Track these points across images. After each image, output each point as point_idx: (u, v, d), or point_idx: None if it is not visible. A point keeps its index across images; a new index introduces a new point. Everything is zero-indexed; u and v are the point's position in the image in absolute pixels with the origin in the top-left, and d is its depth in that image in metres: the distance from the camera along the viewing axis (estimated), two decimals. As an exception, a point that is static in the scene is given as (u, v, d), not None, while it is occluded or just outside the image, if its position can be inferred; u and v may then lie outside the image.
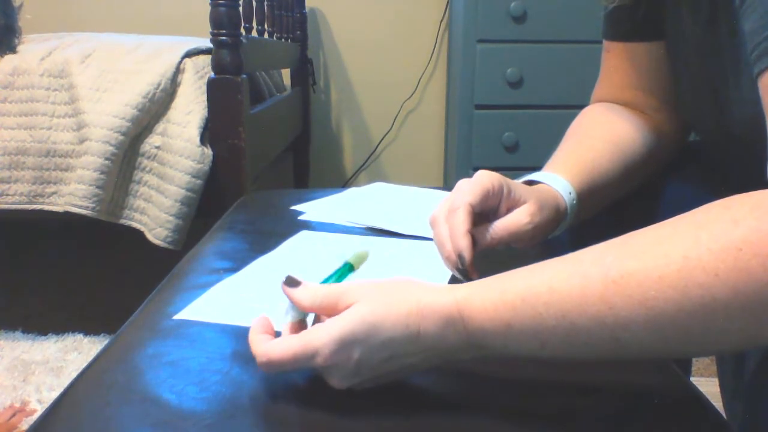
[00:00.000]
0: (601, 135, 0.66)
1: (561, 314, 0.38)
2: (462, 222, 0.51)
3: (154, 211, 1.24)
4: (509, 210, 0.55)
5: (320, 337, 0.40)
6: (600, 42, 0.71)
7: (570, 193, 0.59)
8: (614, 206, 0.66)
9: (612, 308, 0.36)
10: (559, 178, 0.59)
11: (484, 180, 0.53)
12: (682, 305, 0.34)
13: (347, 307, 0.41)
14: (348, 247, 0.73)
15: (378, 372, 0.41)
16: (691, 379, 0.56)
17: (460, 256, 0.51)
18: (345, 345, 0.40)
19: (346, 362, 0.40)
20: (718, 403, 0.49)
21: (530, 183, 0.60)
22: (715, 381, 0.70)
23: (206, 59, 1.30)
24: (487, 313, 0.40)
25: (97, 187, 1.21)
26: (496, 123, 1.70)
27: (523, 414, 0.43)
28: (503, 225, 0.54)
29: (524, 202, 0.54)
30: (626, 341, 0.37)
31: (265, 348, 0.41)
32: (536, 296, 0.39)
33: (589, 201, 0.61)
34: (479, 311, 0.40)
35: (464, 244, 0.51)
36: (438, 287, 0.42)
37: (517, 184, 0.56)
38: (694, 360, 1.10)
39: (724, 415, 0.50)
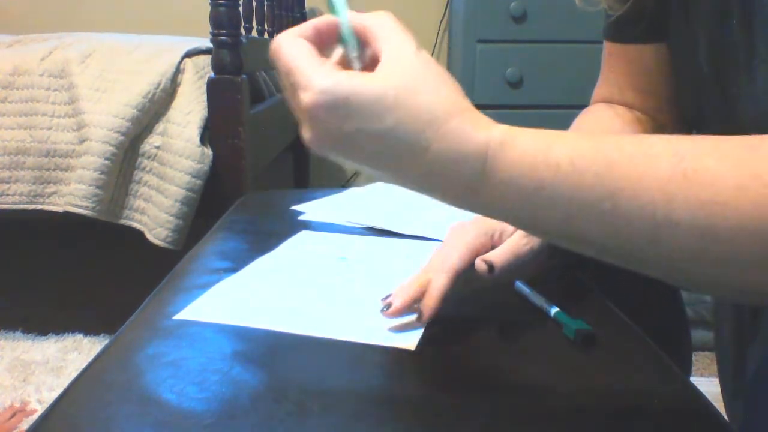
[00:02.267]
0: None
1: (609, 192, 0.33)
2: (440, 287, 0.52)
3: (154, 211, 1.24)
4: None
5: (329, 79, 0.34)
6: (600, 42, 0.70)
7: None
8: None
9: (670, 202, 0.31)
10: None
11: (471, 242, 0.54)
12: (752, 223, 0.30)
13: (379, 53, 0.36)
14: (348, 245, 0.73)
15: (358, 157, 0.36)
16: (691, 379, 0.56)
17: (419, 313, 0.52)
18: (345, 105, 0.34)
19: (331, 125, 0.34)
20: (718, 403, 0.49)
21: None
22: (715, 381, 0.70)
23: (206, 59, 1.30)
24: (521, 166, 0.34)
25: (97, 187, 1.21)
26: (496, 123, 1.70)
27: (524, 414, 0.43)
28: (505, 250, 0.54)
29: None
30: (663, 244, 0.32)
31: (286, 34, 0.37)
32: (588, 165, 0.33)
33: None
34: (512, 162, 0.34)
35: (430, 303, 0.51)
36: (477, 116, 0.36)
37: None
38: (694, 360, 1.10)
39: (724, 415, 0.50)
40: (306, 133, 0.36)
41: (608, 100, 0.71)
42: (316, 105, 0.34)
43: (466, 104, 0.36)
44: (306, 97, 0.34)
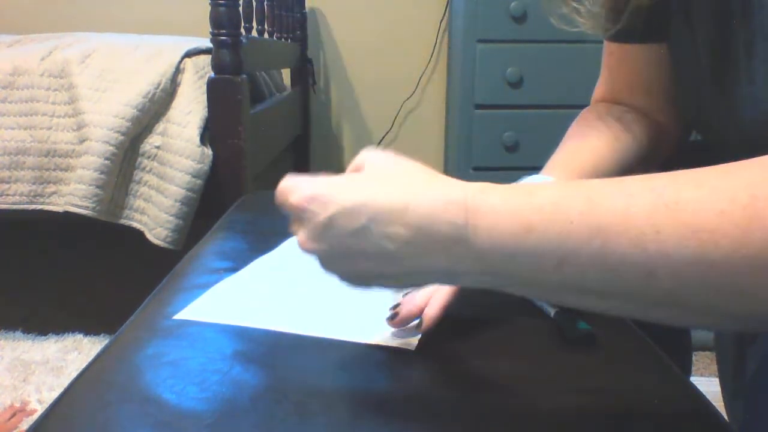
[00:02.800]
0: (600, 137, 0.66)
1: (597, 228, 0.33)
2: (442, 297, 0.52)
3: (154, 211, 1.24)
4: None
5: (309, 184, 0.39)
6: (600, 42, 0.71)
7: None
8: None
9: (659, 233, 0.32)
10: None
11: None
12: (741, 245, 0.30)
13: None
14: None
15: (347, 246, 0.37)
16: (691, 379, 0.56)
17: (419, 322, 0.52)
18: (323, 195, 0.37)
19: (317, 214, 0.37)
20: (718, 403, 0.49)
21: None
22: (715, 381, 0.70)
23: (206, 59, 1.30)
24: (506, 209, 0.35)
25: (97, 187, 1.21)
26: (496, 123, 1.69)
27: (524, 414, 0.43)
28: None
29: None
30: (661, 277, 0.32)
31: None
32: (571, 204, 0.34)
33: None
34: (496, 205, 0.35)
35: (431, 313, 0.52)
36: (451, 179, 0.38)
37: None
38: (694, 360, 1.10)
39: (724, 415, 0.50)
40: (300, 236, 0.40)
41: (608, 100, 0.71)
42: (299, 202, 0.38)
43: (442, 175, 0.38)
44: (293, 199, 0.39)
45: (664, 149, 0.68)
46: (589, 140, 0.66)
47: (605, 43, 0.70)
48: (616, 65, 0.70)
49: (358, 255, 0.37)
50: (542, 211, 0.34)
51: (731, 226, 0.31)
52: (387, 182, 0.37)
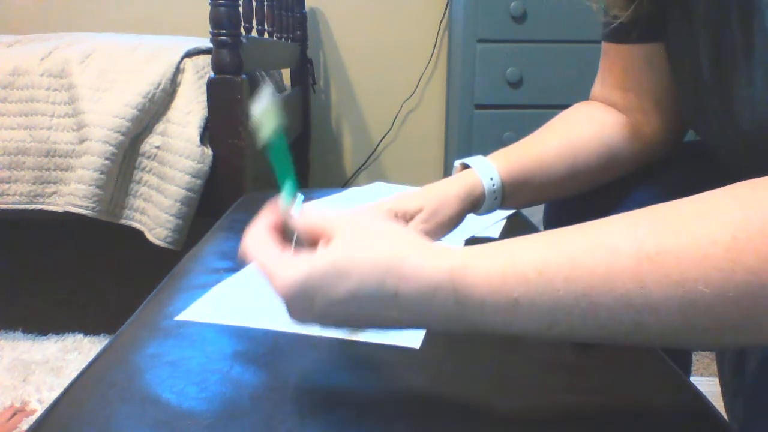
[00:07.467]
0: (560, 131, 0.69)
1: (582, 292, 0.33)
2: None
3: (154, 211, 1.24)
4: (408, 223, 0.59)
5: (288, 272, 0.37)
6: (599, 41, 0.71)
7: (491, 179, 0.63)
8: (576, 200, 0.69)
9: (643, 288, 0.32)
10: (487, 164, 0.64)
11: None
12: (726, 289, 0.31)
13: (327, 241, 0.38)
14: None
15: (346, 323, 0.39)
16: (691, 378, 0.56)
17: None
18: (306, 290, 0.37)
19: (307, 308, 0.38)
20: (718, 403, 0.49)
21: (466, 165, 0.66)
22: (715, 381, 0.70)
23: (206, 59, 1.30)
24: (491, 285, 0.35)
25: (97, 187, 1.21)
26: (496, 123, 1.70)
27: (524, 414, 0.43)
28: None
29: (420, 211, 0.59)
30: (649, 325, 0.33)
31: (250, 235, 0.42)
32: (555, 270, 0.34)
33: (521, 190, 0.65)
34: (481, 282, 0.35)
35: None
36: (432, 248, 0.38)
37: (412, 196, 0.61)
38: (694, 360, 1.10)
39: (724, 414, 0.50)
40: (288, 312, 0.39)
41: (600, 99, 0.71)
42: (284, 296, 0.38)
43: (419, 239, 0.38)
44: (276, 289, 0.38)
45: (648, 150, 0.68)
46: (547, 133, 0.69)
47: (602, 43, 0.70)
48: (609, 65, 0.70)
49: (353, 323, 0.39)
50: (527, 282, 0.35)
51: (714, 271, 0.31)
52: (369, 264, 0.37)
